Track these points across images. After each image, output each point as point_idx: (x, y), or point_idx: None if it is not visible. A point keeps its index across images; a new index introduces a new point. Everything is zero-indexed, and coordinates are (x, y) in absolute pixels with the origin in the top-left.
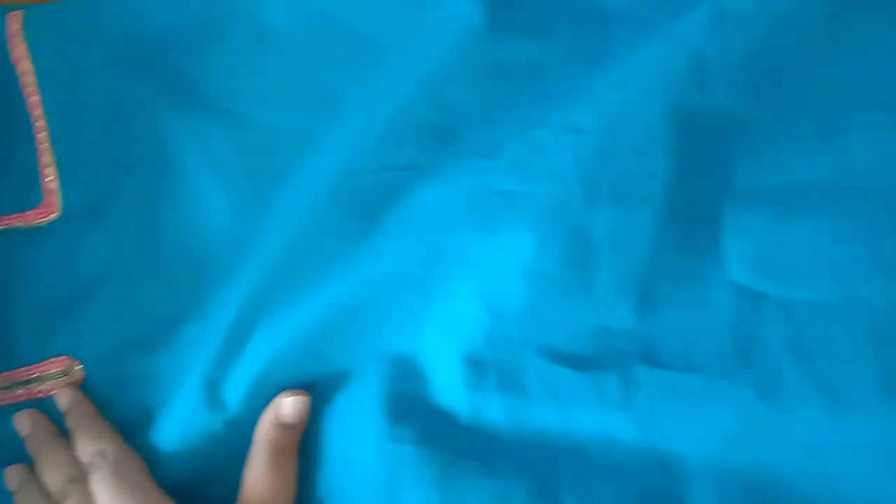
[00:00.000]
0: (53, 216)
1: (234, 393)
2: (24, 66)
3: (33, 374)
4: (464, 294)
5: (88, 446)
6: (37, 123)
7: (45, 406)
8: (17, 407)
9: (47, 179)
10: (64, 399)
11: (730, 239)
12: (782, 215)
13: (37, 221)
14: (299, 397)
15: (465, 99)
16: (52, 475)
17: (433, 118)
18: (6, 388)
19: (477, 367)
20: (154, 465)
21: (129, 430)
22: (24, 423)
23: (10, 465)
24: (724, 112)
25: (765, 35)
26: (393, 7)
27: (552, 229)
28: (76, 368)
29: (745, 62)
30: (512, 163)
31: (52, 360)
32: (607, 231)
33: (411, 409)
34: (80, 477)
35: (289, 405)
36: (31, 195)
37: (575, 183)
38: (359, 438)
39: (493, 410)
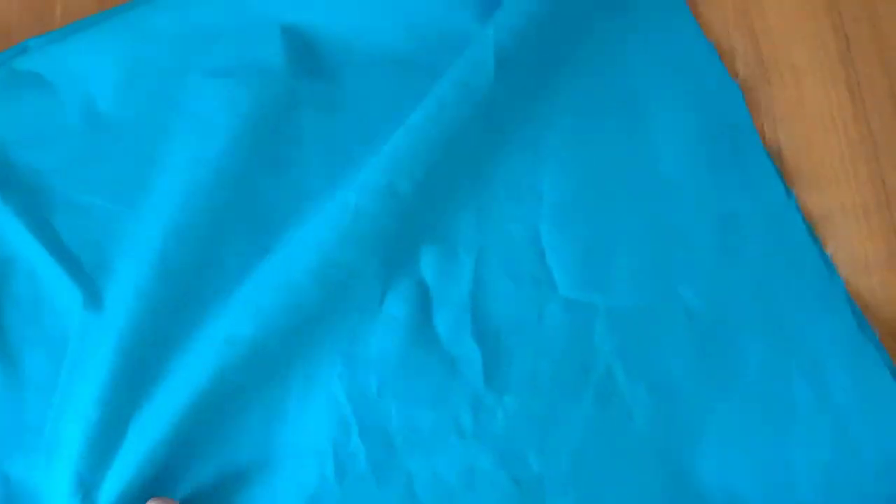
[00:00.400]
0: None
1: (109, 494)
2: None
3: None
4: (321, 356)
5: None
6: None
7: None
8: None
9: None
10: None
11: (554, 256)
12: (597, 226)
13: None
14: None
15: (295, 165)
16: None
17: (276, 199)
18: None
19: (340, 424)
20: None
21: None
22: None
23: None
24: (520, 145)
25: (542, 72)
26: (217, 88)
27: (395, 280)
28: None
29: (530, 98)
30: (343, 235)
31: None
32: (436, 273)
33: (290, 484)
34: None
35: None
36: None
37: (404, 239)
38: None
39: (360, 464)
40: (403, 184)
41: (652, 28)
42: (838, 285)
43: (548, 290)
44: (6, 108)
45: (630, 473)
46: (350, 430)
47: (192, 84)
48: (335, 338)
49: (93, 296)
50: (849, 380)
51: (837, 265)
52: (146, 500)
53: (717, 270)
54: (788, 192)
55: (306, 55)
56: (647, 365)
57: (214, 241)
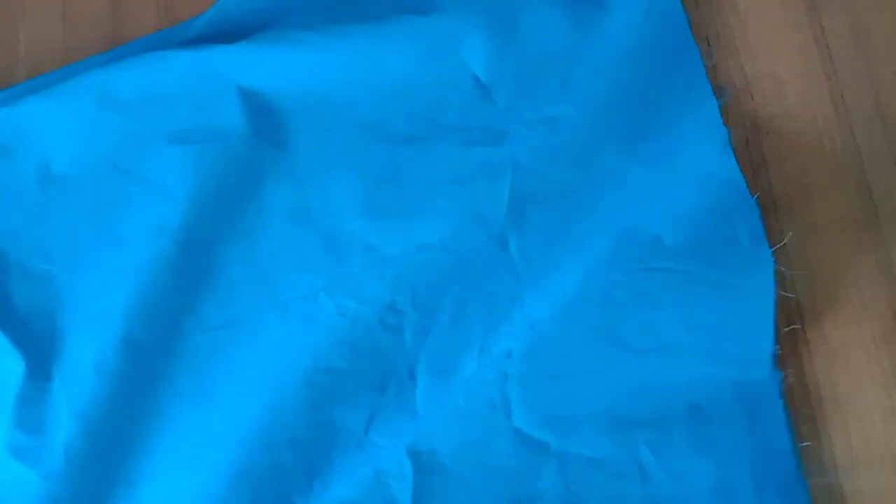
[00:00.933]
0: None
1: None
2: None
3: None
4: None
5: None
6: None
7: None
8: None
9: None
10: None
11: (516, 383)
12: (570, 366)
13: None
14: None
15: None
16: None
17: (242, 272)
18: None
19: None
20: None
21: None
22: None
23: None
24: (532, 282)
25: (562, 215)
26: (176, 156)
27: (380, 403)
28: None
29: (545, 239)
30: (338, 340)
31: None
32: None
33: None
34: None
35: None
36: None
37: (399, 362)
38: None
39: None
40: (405, 302)
41: (701, 195)
42: (802, 485)
43: (501, 417)
44: None
45: None
46: None
47: (150, 151)
48: (310, 473)
49: (38, 366)
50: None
51: (827, 279)
52: None
53: (684, 441)
54: (774, 371)
55: (267, 119)
56: None
57: (180, 316)
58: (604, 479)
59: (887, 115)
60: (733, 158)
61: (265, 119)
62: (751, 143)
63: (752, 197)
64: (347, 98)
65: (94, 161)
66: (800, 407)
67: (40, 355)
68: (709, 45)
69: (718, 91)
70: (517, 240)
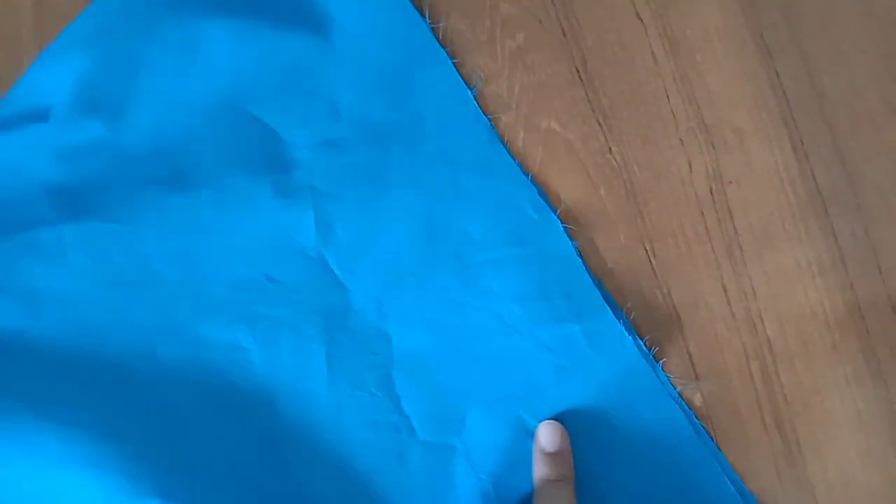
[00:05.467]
0: None
1: None
2: None
3: None
4: None
5: None
6: None
7: None
8: None
9: None
10: None
11: (409, 402)
12: (444, 368)
13: None
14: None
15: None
16: None
17: (87, 371)
18: None
19: None
20: None
21: None
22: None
23: None
24: (365, 297)
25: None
26: None
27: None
28: None
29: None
30: (193, 382)
31: None
32: None
33: None
34: None
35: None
36: None
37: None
38: None
39: None
40: (247, 339)
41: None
42: (672, 394)
43: (407, 436)
44: None
45: None
46: None
47: None
48: None
49: None
50: (695, 479)
51: (797, 323)
52: None
53: (555, 398)
54: (618, 313)
55: (69, 197)
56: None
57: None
58: (505, 457)
59: (846, 158)
60: (500, 143)
61: (68, 198)
62: (714, 193)
63: (527, 176)
64: (137, 162)
65: None
66: (779, 452)
67: None
68: (669, 98)
69: (472, 83)
70: (334, 256)
